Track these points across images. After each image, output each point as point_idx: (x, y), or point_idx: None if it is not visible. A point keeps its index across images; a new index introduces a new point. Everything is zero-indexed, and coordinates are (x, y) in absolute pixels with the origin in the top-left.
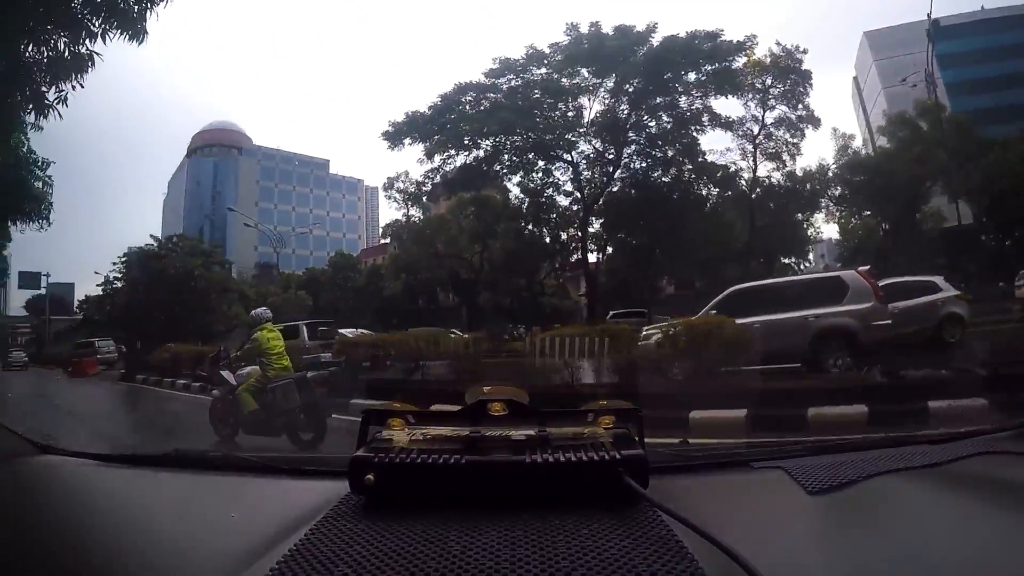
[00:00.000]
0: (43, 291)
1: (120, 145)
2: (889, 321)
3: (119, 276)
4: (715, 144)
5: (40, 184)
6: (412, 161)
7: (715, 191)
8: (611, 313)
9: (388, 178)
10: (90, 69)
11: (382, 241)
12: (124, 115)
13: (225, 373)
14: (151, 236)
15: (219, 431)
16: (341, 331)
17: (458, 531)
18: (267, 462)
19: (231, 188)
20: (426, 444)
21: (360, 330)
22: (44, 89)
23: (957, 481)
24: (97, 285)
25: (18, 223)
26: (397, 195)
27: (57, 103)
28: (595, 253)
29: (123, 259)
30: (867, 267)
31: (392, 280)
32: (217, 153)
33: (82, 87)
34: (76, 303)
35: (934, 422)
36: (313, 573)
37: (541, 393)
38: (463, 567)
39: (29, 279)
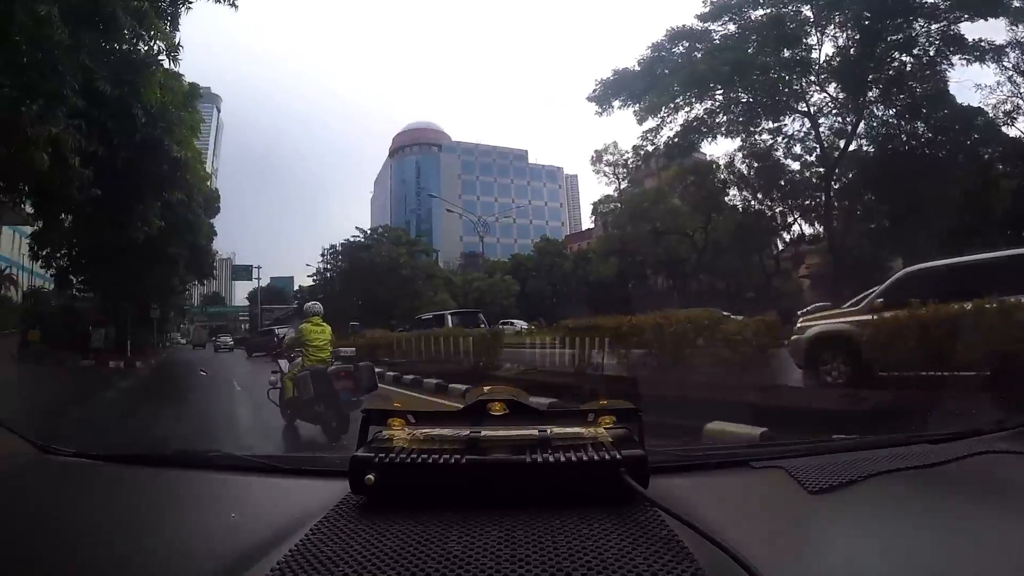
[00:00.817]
0: (256, 282)
1: (332, 154)
2: None
3: (328, 267)
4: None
5: (179, 147)
6: (621, 129)
7: (979, 141)
8: None
9: (595, 151)
10: None
11: (591, 222)
12: (331, 127)
13: (281, 361)
14: (356, 228)
15: (283, 415)
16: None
17: (458, 531)
18: (267, 462)
19: (434, 184)
20: (426, 444)
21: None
22: None
23: (957, 481)
24: (308, 276)
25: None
26: (606, 169)
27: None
28: (817, 225)
29: (329, 250)
30: None
31: (600, 263)
32: (418, 152)
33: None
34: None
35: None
36: (314, 573)
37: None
38: (464, 567)
39: (241, 272)
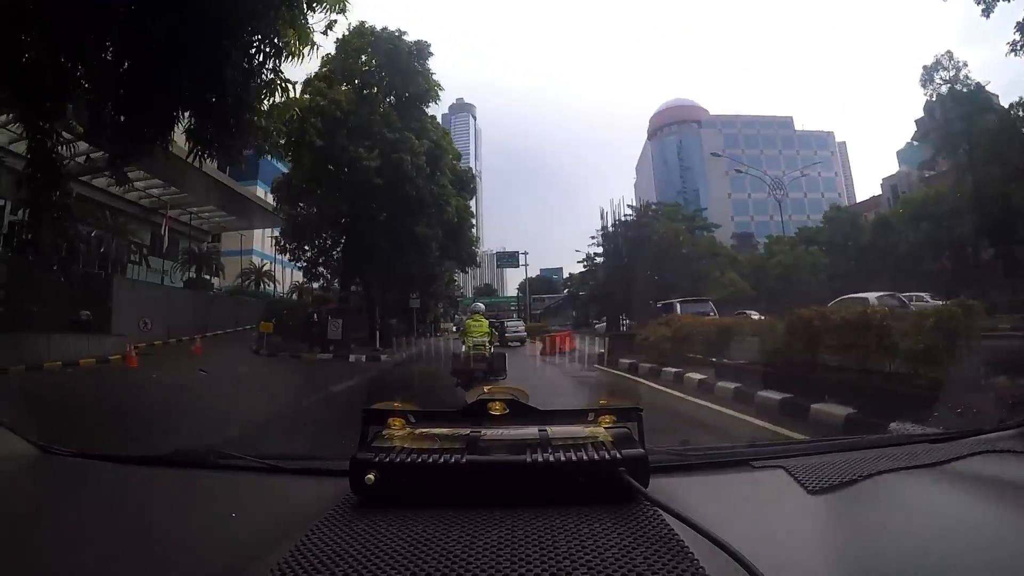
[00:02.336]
0: (523, 268)
1: (589, 144)
2: None
3: (599, 252)
4: None
5: None
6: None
7: None
8: None
9: (924, 67)
10: None
11: (879, 187)
12: (584, 117)
13: (462, 346)
14: (628, 206)
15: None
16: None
17: (459, 531)
18: (267, 462)
19: (697, 162)
20: (427, 444)
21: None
22: None
23: (957, 480)
24: (578, 263)
25: None
26: (941, 84)
27: None
28: None
29: (601, 231)
30: None
31: (909, 230)
32: (677, 131)
33: None
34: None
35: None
36: (314, 573)
37: None
38: (464, 566)
39: (507, 258)
